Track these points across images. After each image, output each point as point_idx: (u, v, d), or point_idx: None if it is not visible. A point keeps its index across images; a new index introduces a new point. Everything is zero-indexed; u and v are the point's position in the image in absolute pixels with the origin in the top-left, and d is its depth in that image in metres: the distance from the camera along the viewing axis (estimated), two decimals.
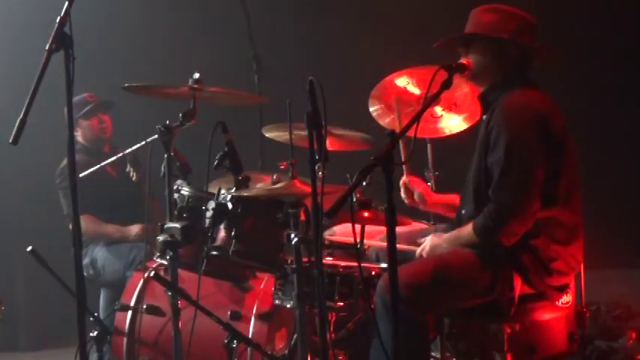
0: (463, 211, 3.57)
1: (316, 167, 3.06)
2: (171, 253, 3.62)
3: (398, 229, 2.88)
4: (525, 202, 3.31)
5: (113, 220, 5.23)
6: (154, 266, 4.23)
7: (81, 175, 4.57)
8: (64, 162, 5.26)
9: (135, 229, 5.20)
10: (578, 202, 3.52)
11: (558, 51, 3.66)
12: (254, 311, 4.04)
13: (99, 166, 4.78)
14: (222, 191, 3.65)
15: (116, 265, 5.05)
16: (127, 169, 5.11)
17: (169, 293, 3.66)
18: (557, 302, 3.52)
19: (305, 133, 3.09)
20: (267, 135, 4.02)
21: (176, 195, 3.77)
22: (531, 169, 3.31)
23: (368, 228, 3.74)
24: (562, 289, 3.51)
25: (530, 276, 3.39)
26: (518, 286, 3.39)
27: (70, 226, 5.11)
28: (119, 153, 4.94)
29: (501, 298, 3.38)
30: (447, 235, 3.49)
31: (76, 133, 5.33)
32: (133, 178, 5.16)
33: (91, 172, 4.72)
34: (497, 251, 3.37)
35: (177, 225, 3.59)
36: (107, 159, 4.95)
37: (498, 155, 3.33)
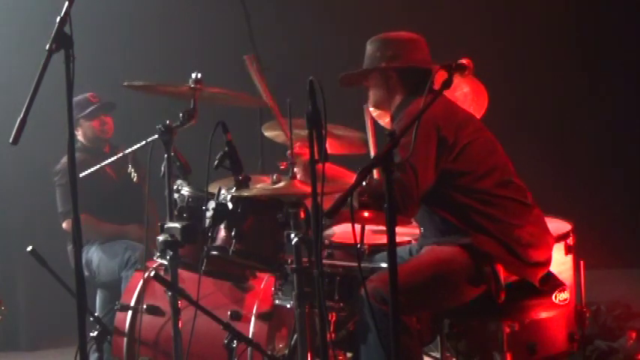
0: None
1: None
2: (171, 253, 3.63)
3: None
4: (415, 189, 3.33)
5: (110, 221, 5.23)
6: (154, 266, 4.23)
7: (81, 175, 4.57)
8: (64, 160, 5.27)
9: (133, 228, 5.20)
10: (515, 178, 3.57)
11: (436, 63, 3.66)
12: (254, 311, 4.04)
13: (99, 165, 4.78)
14: (223, 191, 3.65)
15: (111, 266, 5.05)
16: (129, 170, 5.11)
17: (169, 293, 3.66)
18: (554, 299, 3.53)
19: (305, 132, 3.10)
20: (266, 134, 4.01)
21: (176, 195, 3.77)
22: (423, 170, 3.34)
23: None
24: (538, 265, 3.51)
25: (502, 260, 3.41)
26: (502, 270, 3.41)
27: (64, 225, 5.21)
28: (119, 154, 4.93)
29: (489, 286, 3.41)
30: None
31: (76, 132, 5.34)
32: (134, 179, 5.16)
33: (90, 172, 4.71)
34: (465, 242, 3.42)
35: (177, 225, 3.59)
36: (107, 159, 4.95)
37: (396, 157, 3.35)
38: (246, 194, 3.56)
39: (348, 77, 3.71)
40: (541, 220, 3.60)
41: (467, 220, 3.46)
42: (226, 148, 3.60)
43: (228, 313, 4.02)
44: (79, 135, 5.36)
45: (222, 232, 3.63)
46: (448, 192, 3.46)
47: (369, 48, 3.67)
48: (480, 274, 3.41)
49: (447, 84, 3.23)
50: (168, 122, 3.67)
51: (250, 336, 3.94)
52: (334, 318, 3.57)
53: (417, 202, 3.36)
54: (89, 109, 5.28)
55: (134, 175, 5.13)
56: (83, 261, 5.13)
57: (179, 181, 3.80)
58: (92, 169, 4.73)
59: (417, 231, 4.03)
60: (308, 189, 3.18)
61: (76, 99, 5.21)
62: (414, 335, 3.38)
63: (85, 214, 5.07)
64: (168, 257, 3.65)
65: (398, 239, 3.95)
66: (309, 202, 3.19)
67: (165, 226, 3.64)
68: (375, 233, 4.20)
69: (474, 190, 3.46)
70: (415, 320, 3.44)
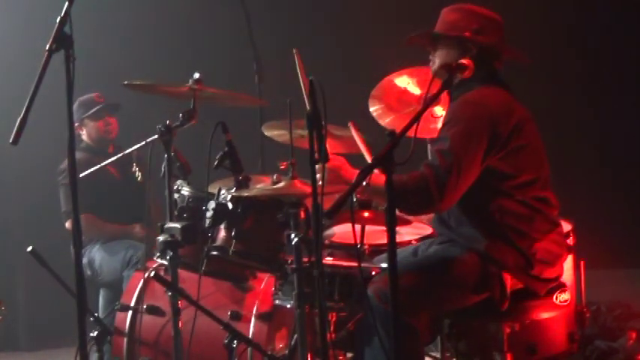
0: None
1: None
2: (172, 253, 3.63)
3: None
4: (456, 180, 3.25)
5: (114, 221, 5.24)
6: (154, 266, 4.23)
7: (81, 175, 4.57)
8: None
9: (136, 228, 5.20)
10: (551, 194, 3.53)
11: (521, 52, 3.62)
12: (254, 311, 4.03)
13: (101, 165, 4.78)
14: (223, 191, 3.65)
15: (113, 265, 5.06)
16: (133, 170, 5.11)
17: (169, 293, 3.66)
18: (554, 300, 3.52)
19: (305, 132, 3.09)
20: (266, 134, 4.01)
21: (176, 195, 3.77)
22: (468, 161, 3.27)
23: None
24: (549, 281, 3.50)
25: (513, 270, 3.39)
26: (509, 280, 3.39)
27: (67, 224, 5.22)
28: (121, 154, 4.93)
29: (494, 294, 3.39)
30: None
31: (81, 132, 5.36)
32: (139, 179, 5.16)
33: (93, 172, 4.72)
34: (478, 247, 3.39)
35: (177, 225, 3.60)
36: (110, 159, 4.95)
37: (441, 143, 3.31)
38: (246, 194, 3.56)
39: (420, 36, 3.57)
40: (561, 238, 3.56)
41: (489, 224, 3.39)
42: (226, 148, 3.60)
43: (228, 313, 4.02)
44: (84, 135, 5.38)
45: (222, 232, 3.63)
46: (482, 192, 3.36)
47: (451, 14, 3.54)
48: (486, 280, 3.37)
49: (447, 84, 3.24)
50: (168, 122, 3.67)
51: (250, 336, 3.94)
52: (334, 318, 3.57)
53: (453, 193, 3.25)
54: (94, 109, 5.30)
55: (139, 175, 5.14)
56: (85, 260, 5.14)
57: (179, 181, 3.80)
58: (92, 169, 4.73)
59: (419, 230, 4.04)
60: (308, 189, 3.18)
61: (81, 99, 5.26)
62: (418, 338, 3.37)
63: (89, 214, 5.08)
64: (168, 257, 3.65)
65: (405, 239, 3.99)
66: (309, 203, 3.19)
67: (165, 226, 3.65)
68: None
69: (508, 195, 3.38)
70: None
